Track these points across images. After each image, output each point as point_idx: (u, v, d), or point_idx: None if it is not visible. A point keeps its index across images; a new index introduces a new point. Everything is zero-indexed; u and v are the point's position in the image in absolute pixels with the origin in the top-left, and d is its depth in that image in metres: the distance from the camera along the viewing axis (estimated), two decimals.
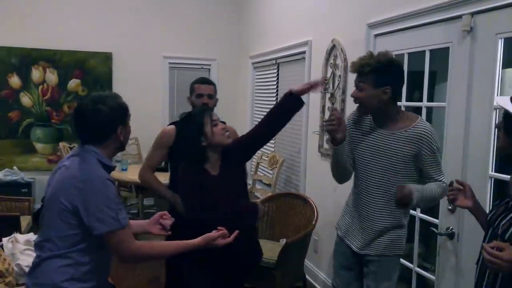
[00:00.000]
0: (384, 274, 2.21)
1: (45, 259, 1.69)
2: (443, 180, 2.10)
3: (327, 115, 3.61)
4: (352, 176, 2.34)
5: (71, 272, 1.66)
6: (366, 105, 2.12)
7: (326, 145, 3.66)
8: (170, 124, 2.87)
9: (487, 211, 1.78)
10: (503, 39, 2.11)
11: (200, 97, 2.76)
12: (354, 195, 2.30)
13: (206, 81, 2.86)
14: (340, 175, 2.34)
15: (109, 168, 1.75)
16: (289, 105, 2.31)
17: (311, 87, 2.31)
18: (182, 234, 1.89)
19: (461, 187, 1.80)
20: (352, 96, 2.17)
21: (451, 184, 1.84)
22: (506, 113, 1.53)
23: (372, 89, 2.06)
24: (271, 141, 4.50)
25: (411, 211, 2.61)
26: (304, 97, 4.11)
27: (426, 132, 2.06)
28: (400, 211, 2.16)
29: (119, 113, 1.75)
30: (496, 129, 1.63)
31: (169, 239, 1.98)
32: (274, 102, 4.93)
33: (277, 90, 4.96)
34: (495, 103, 1.58)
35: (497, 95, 2.11)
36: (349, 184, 2.38)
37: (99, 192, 1.63)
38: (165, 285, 3.02)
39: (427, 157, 2.06)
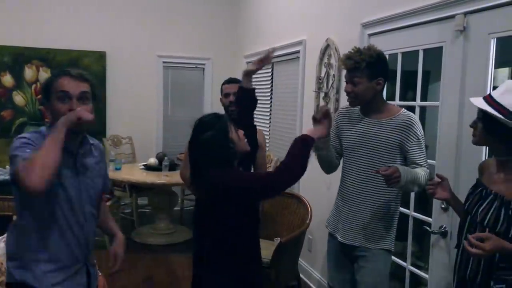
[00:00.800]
0: (371, 268, 2.23)
1: (9, 231, 1.82)
2: (426, 167, 2.18)
3: None
4: (341, 171, 2.41)
5: (26, 243, 1.77)
6: (361, 98, 2.22)
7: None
8: None
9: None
10: (495, 39, 2.13)
11: (228, 96, 2.91)
12: (341, 186, 2.38)
13: (232, 81, 2.99)
14: (325, 168, 2.49)
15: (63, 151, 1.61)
16: (243, 99, 2.38)
17: (261, 62, 2.32)
18: None
19: (440, 180, 1.93)
20: (346, 91, 2.24)
21: (431, 179, 1.98)
22: (483, 112, 1.63)
23: (367, 82, 2.18)
24: (265, 141, 4.50)
25: (404, 210, 2.62)
26: (299, 97, 4.09)
27: (411, 120, 2.17)
28: (385, 201, 2.21)
29: (42, 92, 1.75)
30: (472, 127, 1.73)
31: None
32: (269, 102, 4.95)
33: (271, 90, 4.96)
34: (475, 104, 1.64)
35: None
36: None
37: (12, 146, 1.62)
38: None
39: (412, 143, 2.15)
